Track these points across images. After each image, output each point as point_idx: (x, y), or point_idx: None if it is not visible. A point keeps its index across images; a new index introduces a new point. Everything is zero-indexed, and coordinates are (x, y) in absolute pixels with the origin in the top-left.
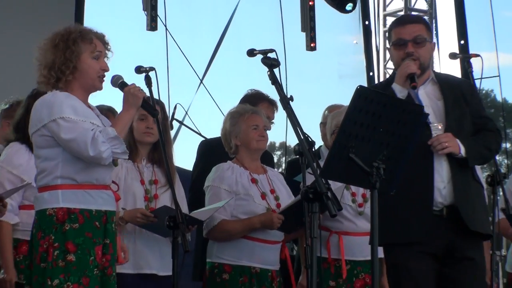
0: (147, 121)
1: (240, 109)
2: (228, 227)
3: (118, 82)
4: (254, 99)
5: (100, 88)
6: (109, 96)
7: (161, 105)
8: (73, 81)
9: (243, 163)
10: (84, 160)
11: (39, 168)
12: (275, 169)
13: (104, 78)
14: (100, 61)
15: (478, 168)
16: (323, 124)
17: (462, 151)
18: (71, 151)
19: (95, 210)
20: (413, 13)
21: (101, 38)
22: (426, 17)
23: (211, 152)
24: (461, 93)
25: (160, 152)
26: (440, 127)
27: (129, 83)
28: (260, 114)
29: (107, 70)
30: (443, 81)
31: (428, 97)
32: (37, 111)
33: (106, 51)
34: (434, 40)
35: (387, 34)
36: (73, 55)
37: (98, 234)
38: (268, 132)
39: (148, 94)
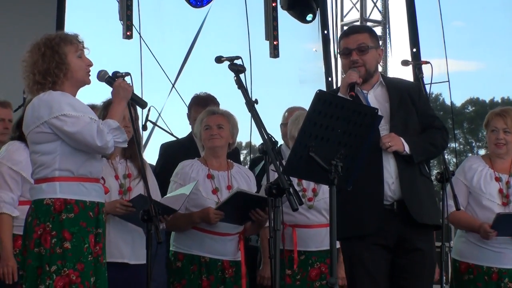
0: (124, 121)
1: (201, 114)
2: (175, 220)
3: (105, 77)
4: (191, 106)
5: (89, 82)
6: (94, 90)
7: (135, 106)
8: (64, 81)
9: (206, 160)
10: (88, 151)
11: (37, 163)
12: (244, 166)
13: (90, 73)
14: (84, 58)
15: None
16: (283, 125)
17: (407, 148)
18: (76, 143)
19: (89, 201)
20: (368, 23)
21: (76, 38)
22: (380, 27)
23: (168, 153)
24: (408, 95)
25: (131, 148)
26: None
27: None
28: (214, 114)
29: (91, 65)
30: (390, 84)
31: (376, 99)
32: (35, 109)
33: (84, 49)
34: (385, 46)
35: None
36: (62, 58)
37: (91, 224)
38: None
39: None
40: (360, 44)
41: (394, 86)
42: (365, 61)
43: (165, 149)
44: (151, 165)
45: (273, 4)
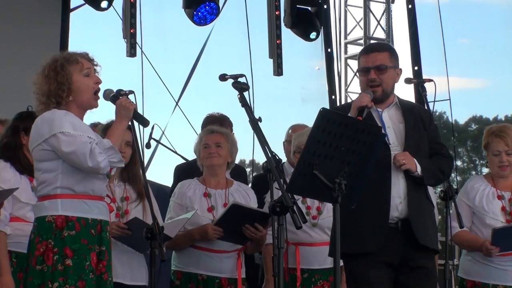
0: (120, 146)
1: (200, 133)
2: (174, 238)
3: (110, 96)
4: (204, 126)
5: (96, 106)
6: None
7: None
8: (71, 101)
9: (204, 179)
10: (84, 171)
11: (40, 180)
12: (245, 184)
13: (99, 94)
14: (92, 76)
15: (430, 189)
16: (287, 142)
17: (419, 169)
18: (71, 163)
19: (91, 219)
20: (372, 41)
21: (85, 56)
22: None
23: (183, 174)
24: (420, 119)
25: (130, 170)
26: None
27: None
28: (213, 133)
29: (100, 82)
30: (405, 106)
31: (390, 119)
32: (38, 127)
33: (94, 67)
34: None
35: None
36: (64, 78)
37: (93, 241)
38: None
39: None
40: (379, 64)
41: (409, 109)
42: (382, 80)
43: (179, 170)
44: (160, 185)
45: (277, 22)
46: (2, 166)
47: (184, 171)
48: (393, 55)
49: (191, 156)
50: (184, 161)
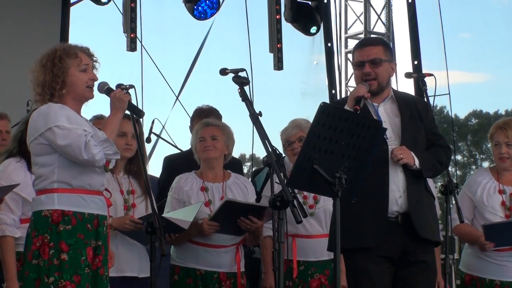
0: (126, 138)
1: (196, 126)
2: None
3: (104, 88)
4: (193, 118)
5: (91, 97)
6: (100, 104)
7: (139, 122)
8: (65, 94)
9: (201, 173)
10: (80, 164)
11: (37, 174)
12: (243, 176)
13: (93, 88)
14: (88, 72)
15: (430, 180)
16: None
17: (417, 163)
18: (67, 156)
19: (87, 213)
20: (372, 35)
21: (86, 51)
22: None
23: (172, 165)
24: (416, 111)
25: (135, 164)
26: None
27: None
28: (208, 126)
29: (95, 79)
30: (401, 99)
31: (386, 113)
32: (34, 121)
33: (94, 63)
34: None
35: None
36: (60, 71)
37: (89, 236)
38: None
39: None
40: (373, 57)
41: (404, 102)
42: (377, 74)
43: (168, 161)
44: (153, 177)
45: (277, 17)
46: (13, 167)
47: (173, 163)
48: (387, 49)
49: None
50: (176, 151)
